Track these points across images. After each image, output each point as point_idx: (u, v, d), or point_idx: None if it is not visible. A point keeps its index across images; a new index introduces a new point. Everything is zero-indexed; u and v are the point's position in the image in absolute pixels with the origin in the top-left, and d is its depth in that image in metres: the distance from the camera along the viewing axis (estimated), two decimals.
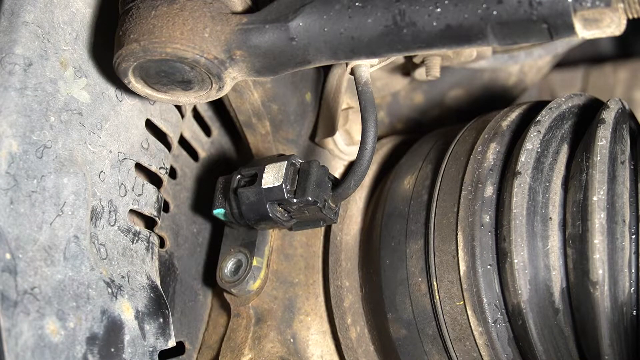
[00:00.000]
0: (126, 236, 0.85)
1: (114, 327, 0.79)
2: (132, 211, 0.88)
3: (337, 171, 1.00)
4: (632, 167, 0.83)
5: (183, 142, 1.01)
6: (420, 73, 0.99)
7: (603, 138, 0.81)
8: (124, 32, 0.78)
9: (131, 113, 0.87)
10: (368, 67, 0.88)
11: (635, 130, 0.88)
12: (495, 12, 0.72)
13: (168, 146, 0.93)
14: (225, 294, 0.96)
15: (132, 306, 0.82)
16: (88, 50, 0.84)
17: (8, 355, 0.67)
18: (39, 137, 0.78)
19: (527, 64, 1.06)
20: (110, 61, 0.80)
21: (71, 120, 0.81)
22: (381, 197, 0.95)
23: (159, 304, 0.85)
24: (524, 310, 0.79)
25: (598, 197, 0.78)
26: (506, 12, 0.72)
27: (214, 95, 0.81)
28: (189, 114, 1.00)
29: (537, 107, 0.90)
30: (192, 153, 1.02)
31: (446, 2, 0.74)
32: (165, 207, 0.97)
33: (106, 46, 0.83)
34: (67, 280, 0.76)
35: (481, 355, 0.83)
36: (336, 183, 0.89)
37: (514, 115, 0.89)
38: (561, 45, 1.05)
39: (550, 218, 0.81)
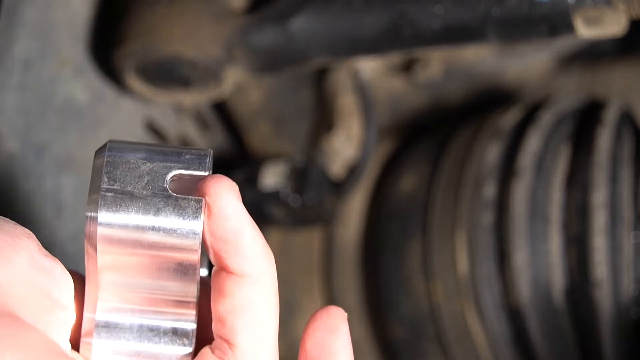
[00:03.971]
0: None
1: None
2: None
3: (337, 171, 1.00)
4: (632, 166, 0.83)
5: (182, 141, 1.01)
6: (420, 73, 0.99)
7: (603, 138, 0.81)
8: (123, 32, 0.78)
9: (130, 113, 0.87)
10: (368, 66, 0.87)
11: (635, 130, 0.88)
12: (495, 11, 0.72)
13: None
14: None
15: None
16: (87, 50, 0.84)
17: None
18: (38, 137, 0.77)
19: (527, 64, 1.06)
20: (109, 61, 0.80)
21: (70, 120, 0.81)
22: (381, 197, 0.95)
23: None
24: (524, 310, 0.79)
25: (598, 197, 0.78)
26: (507, 11, 0.72)
27: (214, 95, 0.81)
28: (188, 113, 1.00)
29: (537, 107, 0.90)
30: None
31: (446, 0, 0.74)
32: None
33: (105, 46, 0.83)
34: None
35: (481, 356, 0.83)
36: (336, 183, 0.88)
37: (514, 115, 0.89)
38: (562, 45, 1.05)
39: (551, 218, 0.81)
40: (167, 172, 0.45)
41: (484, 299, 0.81)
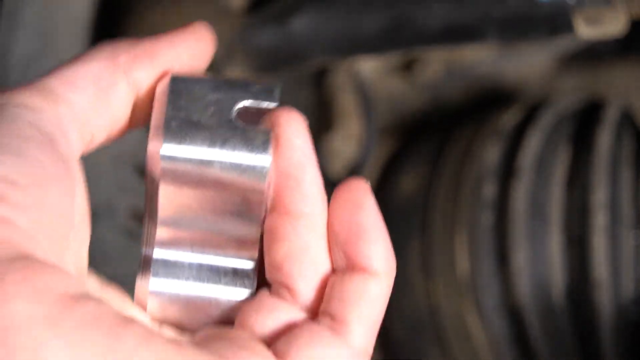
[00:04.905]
0: (125, 237, 0.85)
1: None
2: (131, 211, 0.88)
3: (337, 171, 1.00)
4: (632, 166, 0.83)
5: None
6: (420, 73, 0.99)
7: (603, 138, 0.81)
8: (123, 32, 0.78)
9: None
10: (368, 66, 0.87)
11: (635, 130, 0.88)
12: (495, 11, 0.72)
13: None
14: None
15: None
16: (87, 50, 0.84)
17: None
18: None
19: (527, 64, 1.06)
20: None
21: None
22: (381, 197, 0.95)
23: None
24: (524, 310, 0.79)
25: (598, 197, 0.78)
26: (507, 11, 0.72)
27: None
28: None
29: (537, 107, 0.89)
30: None
31: (446, 0, 0.74)
32: None
33: None
34: None
35: (481, 356, 0.83)
36: (336, 183, 0.88)
37: (514, 115, 0.89)
38: (562, 45, 1.05)
39: (551, 218, 0.81)
40: (234, 103, 0.43)
41: (484, 299, 0.81)
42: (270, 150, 0.42)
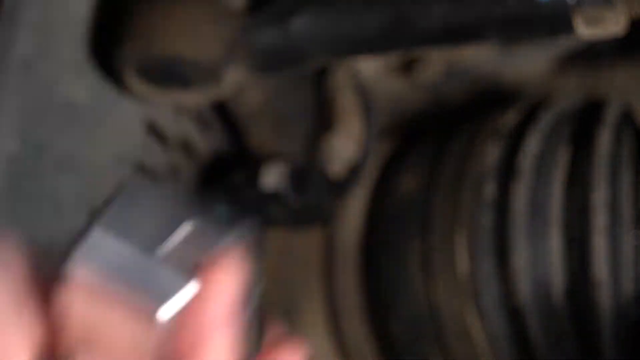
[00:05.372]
0: None
1: None
2: None
3: (337, 171, 1.00)
4: (632, 166, 0.83)
5: (182, 141, 1.01)
6: (420, 73, 0.99)
7: (603, 138, 0.81)
8: (123, 32, 0.78)
9: (130, 112, 0.87)
10: (368, 66, 0.87)
11: (635, 130, 0.88)
12: (495, 11, 0.72)
13: (167, 146, 0.93)
14: None
15: None
16: (87, 50, 0.84)
17: None
18: (38, 137, 0.77)
19: (526, 64, 1.06)
20: (109, 61, 0.80)
21: (70, 120, 0.81)
22: (381, 197, 0.95)
23: None
24: (524, 310, 0.79)
25: (598, 197, 0.78)
26: (507, 11, 0.72)
27: (215, 96, 0.81)
28: (188, 113, 0.99)
29: (537, 107, 0.90)
30: (192, 153, 1.02)
31: (446, 0, 0.74)
32: None
33: (105, 46, 0.83)
34: None
35: (481, 355, 0.83)
36: (336, 183, 0.88)
37: (514, 115, 0.89)
38: (562, 45, 1.05)
39: (551, 218, 0.81)
40: (177, 227, 0.39)
41: (484, 299, 0.81)
42: (177, 308, 0.37)
